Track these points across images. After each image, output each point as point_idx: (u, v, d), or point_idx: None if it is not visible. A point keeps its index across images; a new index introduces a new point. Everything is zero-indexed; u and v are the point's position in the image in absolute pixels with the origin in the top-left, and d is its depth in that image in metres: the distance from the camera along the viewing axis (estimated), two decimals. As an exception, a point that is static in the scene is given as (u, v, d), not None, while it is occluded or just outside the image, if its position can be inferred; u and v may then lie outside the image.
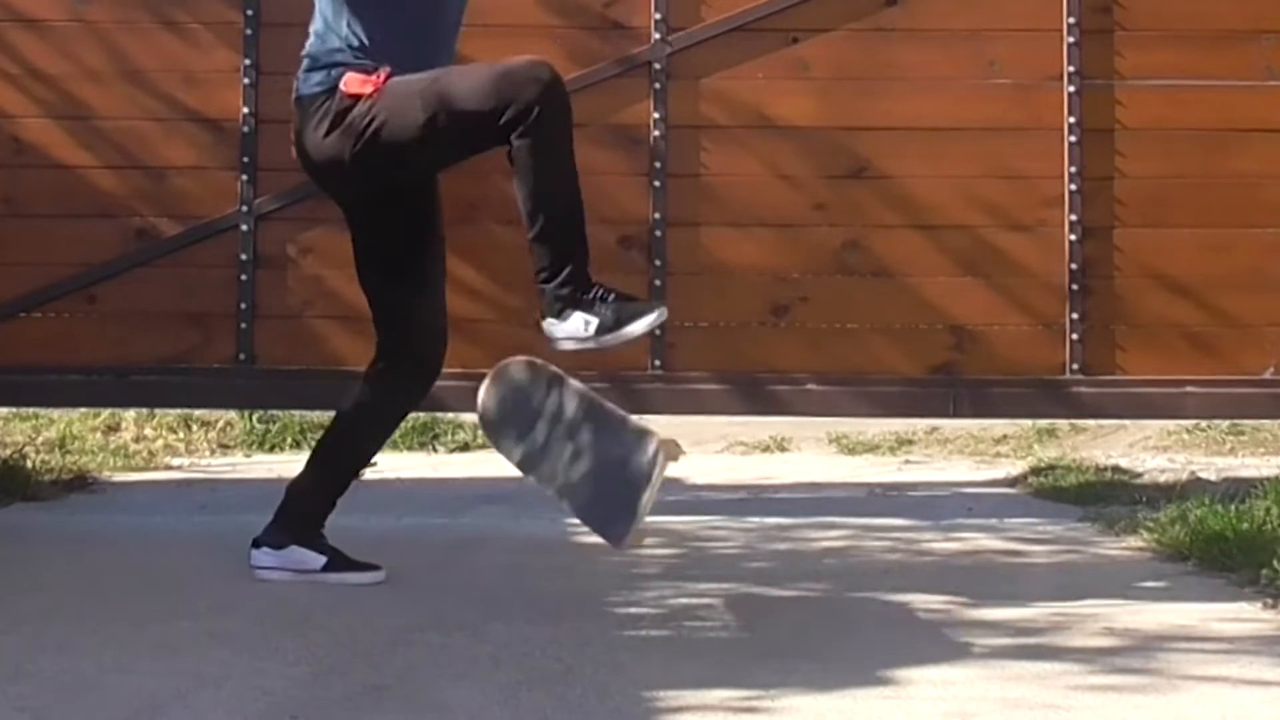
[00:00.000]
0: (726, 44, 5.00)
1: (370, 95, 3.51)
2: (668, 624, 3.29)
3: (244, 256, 4.94)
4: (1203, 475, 5.58)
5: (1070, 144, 4.96)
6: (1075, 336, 4.94)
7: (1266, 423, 6.50)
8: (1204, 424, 6.74)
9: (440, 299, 3.81)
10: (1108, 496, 5.09)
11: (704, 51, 5.00)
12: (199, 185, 4.97)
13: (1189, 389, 4.95)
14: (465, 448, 7.17)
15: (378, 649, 3.01)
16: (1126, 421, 6.55)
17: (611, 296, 3.41)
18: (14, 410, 6.66)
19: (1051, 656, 2.94)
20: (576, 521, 3.55)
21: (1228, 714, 2.57)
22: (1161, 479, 5.53)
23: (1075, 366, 4.94)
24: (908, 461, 6.76)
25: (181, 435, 7.07)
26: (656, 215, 4.97)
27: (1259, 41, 4.98)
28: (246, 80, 4.96)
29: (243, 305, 4.94)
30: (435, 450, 7.10)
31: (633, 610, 3.41)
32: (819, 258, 4.98)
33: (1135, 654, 2.98)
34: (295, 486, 3.80)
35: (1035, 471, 5.98)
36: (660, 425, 6.96)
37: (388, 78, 3.51)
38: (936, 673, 2.82)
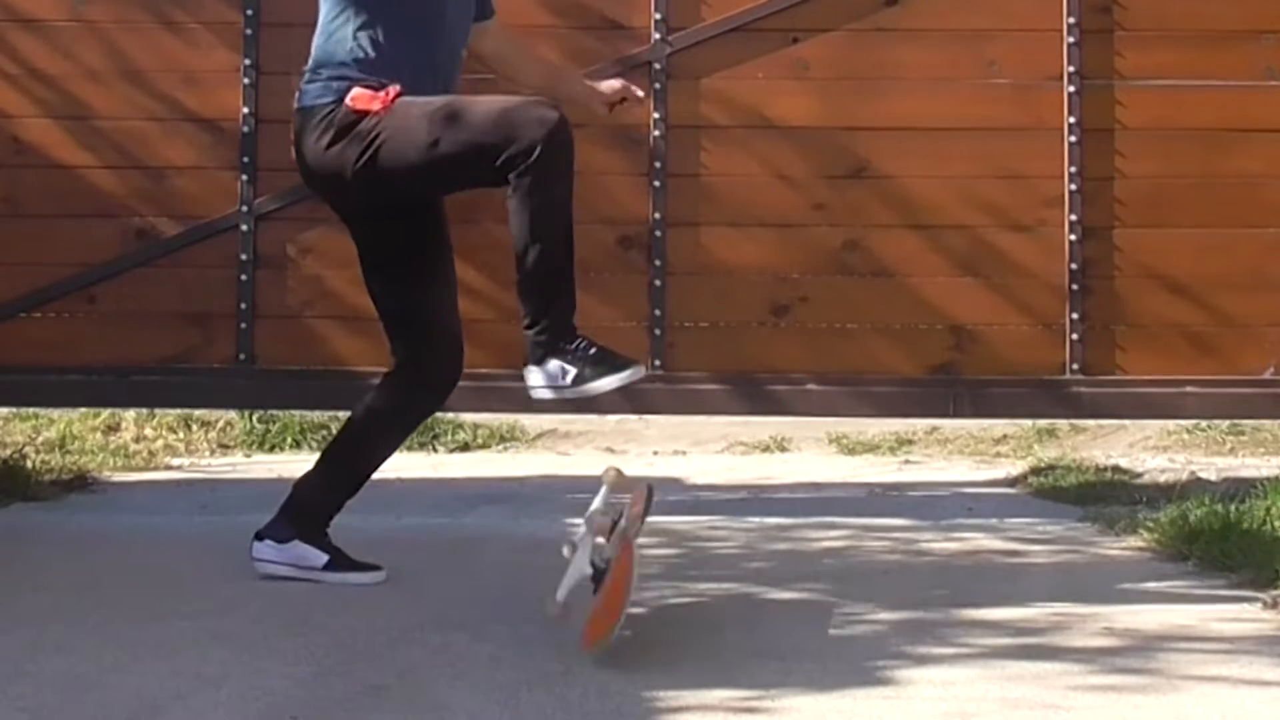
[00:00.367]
0: (726, 44, 5.00)
1: (378, 112, 3.49)
2: (668, 624, 3.29)
3: (244, 256, 4.94)
4: (1203, 475, 5.57)
5: (1070, 144, 4.96)
6: (1075, 336, 4.94)
7: (1266, 423, 6.50)
8: (1204, 424, 6.74)
9: (451, 305, 3.80)
10: (1108, 496, 5.09)
11: (704, 51, 5.00)
12: (199, 185, 4.97)
13: (1189, 389, 4.95)
14: (465, 448, 7.18)
15: (378, 649, 3.01)
16: (1126, 421, 6.56)
17: (593, 350, 3.39)
18: (14, 410, 6.67)
19: (1051, 656, 2.94)
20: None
21: (1228, 714, 2.57)
22: (1161, 479, 5.53)
23: (1075, 366, 4.94)
24: (908, 461, 6.76)
25: (181, 435, 7.07)
26: (656, 215, 4.97)
27: (1259, 41, 4.98)
28: (246, 80, 4.96)
29: (243, 305, 4.94)
30: (435, 450, 7.10)
31: (633, 610, 3.40)
32: (819, 258, 4.99)
33: (1135, 654, 2.98)
34: (303, 483, 3.79)
35: (1035, 471, 5.98)
36: (660, 425, 7.06)
37: (397, 96, 3.50)
38: (936, 673, 2.82)
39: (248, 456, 6.89)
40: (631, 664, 2.87)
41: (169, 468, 6.43)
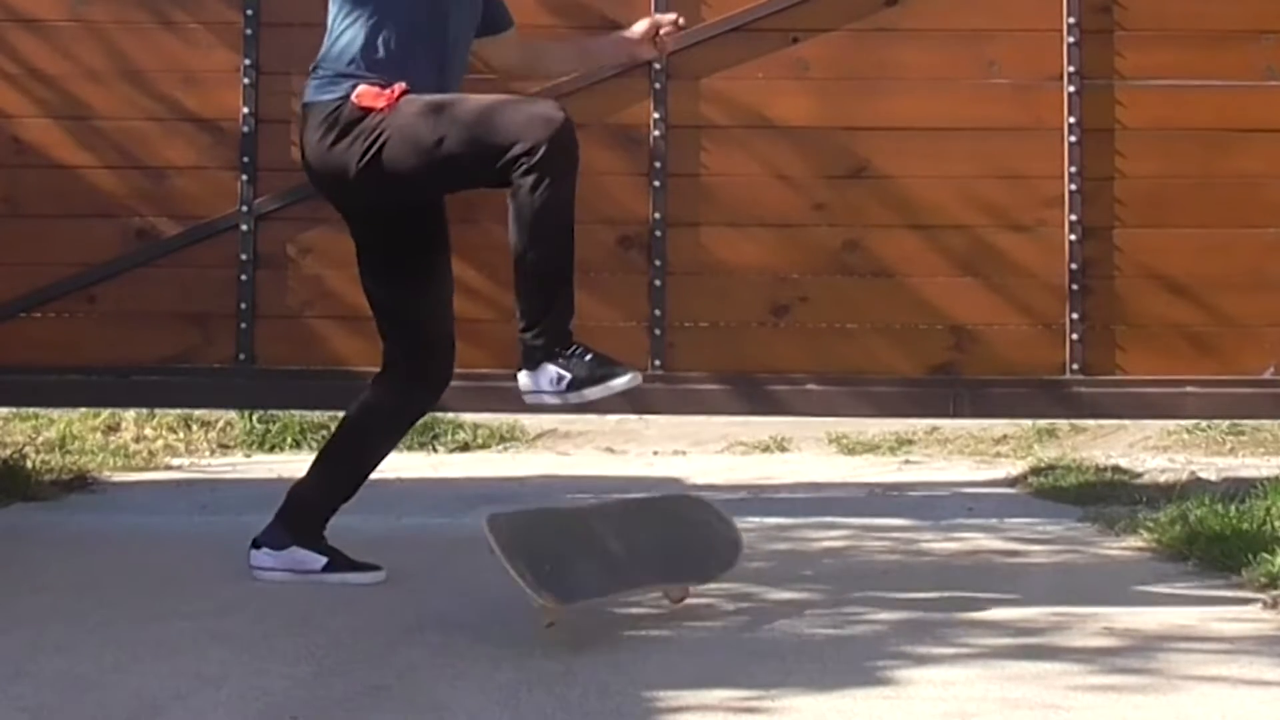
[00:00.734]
0: (726, 44, 5.00)
1: (382, 109, 3.49)
2: (668, 624, 3.29)
3: (244, 256, 4.94)
4: (1203, 475, 5.57)
5: (1070, 144, 4.96)
6: (1075, 336, 4.94)
7: (1266, 423, 6.50)
8: (1204, 424, 6.74)
9: (447, 305, 3.80)
10: (1108, 496, 5.09)
11: (704, 51, 5.00)
12: (199, 185, 4.97)
13: (1189, 389, 4.95)
14: (465, 448, 7.18)
15: (378, 649, 3.01)
16: (1126, 421, 6.55)
17: (589, 356, 3.38)
18: (14, 410, 6.66)
19: (1051, 656, 2.94)
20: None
21: (1228, 714, 2.57)
22: (1161, 479, 5.53)
23: (1075, 366, 4.94)
24: (908, 461, 6.75)
25: (181, 435, 7.07)
26: (656, 215, 4.97)
27: (1259, 41, 4.98)
28: (246, 80, 4.95)
29: (243, 305, 4.94)
30: (435, 450, 7.10)
31: (633, 610, 3.41)
32: (819, 258, 4.99)
33: (1135, 654, 2.98)
34: (298, 488, 3.80)
35: (1035, 471, 5.98)
36: (660, 425, 7.06)
37: (402, 94, 3.50)
38: (936, 673, 2.82)
39: (248, 456, 6.89)
40: (631, 664, 2.87)
41: (169, 468, 6.43)
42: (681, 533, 3.48)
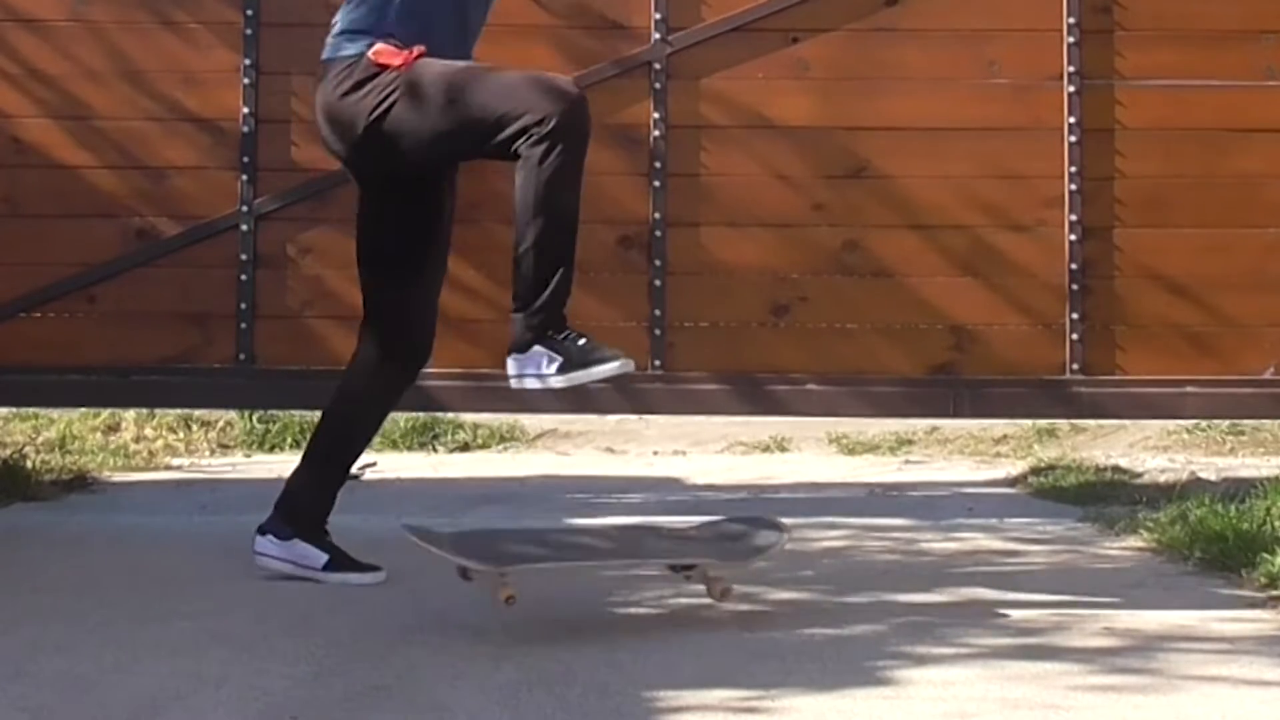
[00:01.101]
0: (726, 44, 5.00)
1: (398, 68, 3.49)
2: (668, 624, 3.29)
3: (244, 256, 4.94)
4: (1203, 475, 5.57)
5: (1070, 144, 4.96)
6: (1075, 336, 4.94)
7: (1266, 423, 6.50)
8: (1204, 424, 6.74)
9: (435, 292, 3.80)
10: (1108, 496, 5.08)
11: (704, 51, 5.00)
12: (199, 185, 4.97)
13: (1189, 389, 4.95)
14: (465, 448, 7.18)
15: (378, 649, 3.01)
16: (1126, 421, 6.55)
17: (581, 340, 3.34)
18: (14, 410, 6.66)
19: (1051, 656, 2.94)
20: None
21: (1228, 714, 2.57)
22: (1161, 479, 5.52)
23: (1075, 366, 4.94)
24: (908, 461, 6.76)
25: (181, 435, 7.07)
26: (656, 215, 4.97)
27: (1259, 41, 4.98)
28: (246, 80, 4.95)
29: (243, 305, 4.94)
30: (435, 450, 7.10)
31: (633, 610, 3.41)
32: (818, 258, 4.99)
33: (1135, 654, 2.98)
34: (295, 483, 3.79)
35: (1035, 471, 5.98)
36: (660, 425, 7.06)
37: (419, 56, 3.50)
38: (936, 673, 2.81)
39: (248, 456, 6.89)
40: (631, 664, 2.87)
41: (169, 468, 6.43)
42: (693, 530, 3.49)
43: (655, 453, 7.03)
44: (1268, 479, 4.52)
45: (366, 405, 3.82)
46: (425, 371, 3.95)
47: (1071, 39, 4.98)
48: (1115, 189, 4.98)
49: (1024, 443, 6.94)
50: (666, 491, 5.68)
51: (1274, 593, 3.46)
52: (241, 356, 4.95)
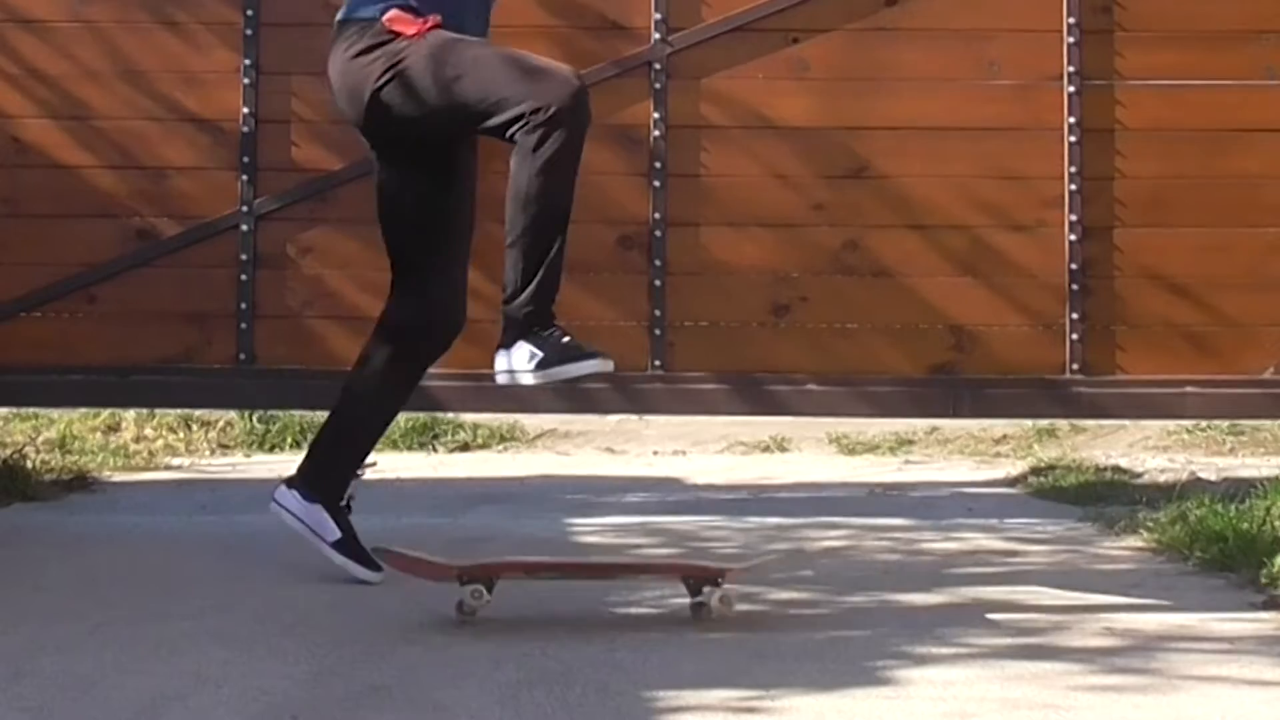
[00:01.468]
0: (726, 44, 5.00)
1: (411, 36, 3.49)
2: (668, 624, 3.29)
3: (244, 256, 4.94)
4: (1203, 475, 5.57)
5: (1070, 144, 4.96)
6: (1075, 336, 4.94)
7: (1266, 423, 6.50)
8: (1204, 424, 6.74)
9: (464, 257, 3.77)
10: (1108, 496, 5.08)
11: (704, 51, 5.00)
12: (199, 185, 4.97)
13: (1189, 389, 4.95)
14: (465, 448, 7.18)
15: (378, 649, 3.01)
16: (1126, 421, 6.56)
17: (565, 338, 3.35)
18: (14, 410, 6.66)
19: (1051, 656, 2.94)
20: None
21: (1228, 714, 2.57)
22: (1161, 479, 5.53)
23: (1075, 366, 4.94)
24: (908, 461, 6.76)
25: (181, 435, 7.08)
26: (656, 215, 4.97)
27: (1259, 41, 4.98)
28: (246, 80, 4.95)
29: (243, 305, 4.94)
30: (435, 450, 7.10)
31: (633, 610, 3.41)
32: (818, 258, 4.99)
33: (1135, 654, 2.98)
34: (322, 452, 3.75)
35: (1035, 471, 5.98)
36: (660, 425, 7.06)
37: (433, 27, 3.50)
38: (936, 673, 2.81)
39: (248, 456, 6.89)
40: (631, 664, 2.87)
41: (169, 468, 6.44)
42: None
43: (655, 453, 7.04)
44: (1268, 479, 4.52)
45: (401, 380, 3.78)
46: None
47: (1071, 39, 4.98)
48: (1115, 189, 4.98)
49: (1024, 443, 6.94)
50: (666, 491, 5.68)
51: (1274, 593, 3.46)
52: (241, 356, 4.95)
